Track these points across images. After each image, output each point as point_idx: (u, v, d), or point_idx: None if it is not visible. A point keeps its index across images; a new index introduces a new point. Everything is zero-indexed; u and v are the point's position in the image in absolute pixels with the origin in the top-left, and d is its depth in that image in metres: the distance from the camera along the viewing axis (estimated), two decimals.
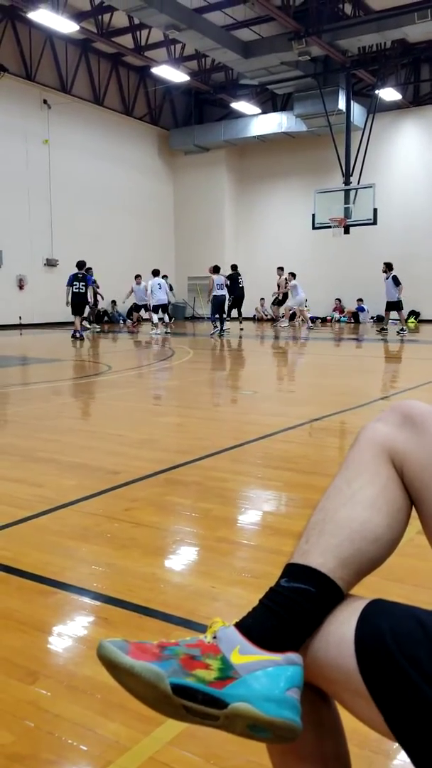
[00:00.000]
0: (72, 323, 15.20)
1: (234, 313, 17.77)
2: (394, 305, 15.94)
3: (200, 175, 25.36)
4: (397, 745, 0.80)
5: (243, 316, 18.25)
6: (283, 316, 19.66)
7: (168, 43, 19.21)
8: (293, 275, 18.78)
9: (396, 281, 15.74)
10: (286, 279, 18.90)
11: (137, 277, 18.96)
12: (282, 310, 19.73)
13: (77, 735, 1.49)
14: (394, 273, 15.81)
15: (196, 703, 0.81)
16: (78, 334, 14.60)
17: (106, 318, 22.33)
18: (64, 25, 15.59)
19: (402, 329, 15.58)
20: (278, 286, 19.51)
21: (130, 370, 9.13)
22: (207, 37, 16.88)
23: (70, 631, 1.95)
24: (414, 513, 0.99)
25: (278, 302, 20.02)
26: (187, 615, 2.01)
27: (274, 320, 19.31)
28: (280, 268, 19.34)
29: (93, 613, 2.07)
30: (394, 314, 16.38)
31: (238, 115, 23.31)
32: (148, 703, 0.84)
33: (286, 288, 18.96)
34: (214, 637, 0.86)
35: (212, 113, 25.16)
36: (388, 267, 15.97)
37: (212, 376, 8.85)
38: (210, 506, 3.09)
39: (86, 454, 4.14)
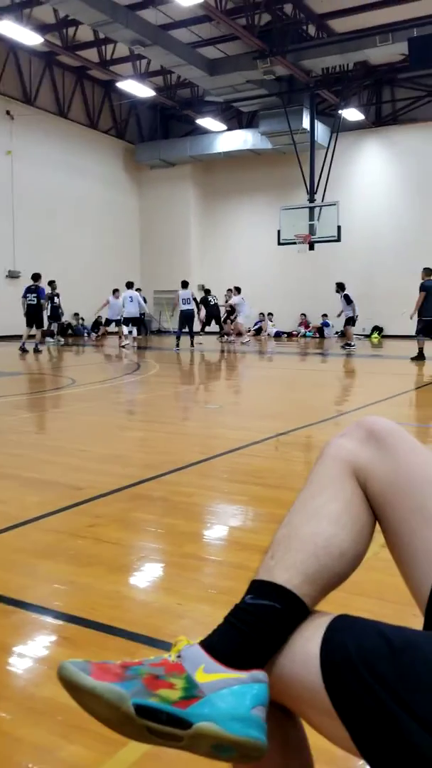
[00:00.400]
0: (24, 336, 15.05)
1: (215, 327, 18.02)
2: (352, 320, 16.33)
3: (166, 190, 25.44)
4: (362, 761, 0.80)
5: (211, 330, 18.34)
6: (240, 333, 19.49)
7: (133, 58, 19.30)
8: (238, 290, 18.87)
9: (347, 300, 16.14)
10: (231, 293, 18.98)
11: (115, 291, 18.81)
12: (236, 326, 19.49)
13: (37, 759, 1.45)
14: (345, 292, 16.20)
15: (159, 724, 0.79)
16: (24, 347, 14.59)
17: (69, 331, 22.17)
18: (28, 37, 15.54)
19: (349, 344, 15.97)
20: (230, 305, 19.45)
21: (95, 384, 9.06)
22: (172, 54, 17.01)
23: (31, 652, 1.91)
24: (378, 528, 1.00)
25: (230, 320, 20.00)
26: (152, 633, 1.98)
27: (223, 335, 19.27)
28: (229, 290, 19.43)
29: (55, 632, 2.03)
30: (354, 329, 16.75)
31: (203, 131, 23.49)
32: (111, 725, 0.82)
33: (225, 304, 18.88)
34: (179, 656, 0.85)
35: (178, 129, 25.30)
36: (340, 287, 16.36)
37: (178, 391, 8.83)
38: (175, 522, 3.07)
39: (49, 469, 4.08)
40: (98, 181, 23.83)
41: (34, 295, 14.59)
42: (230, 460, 4.37)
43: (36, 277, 14.84)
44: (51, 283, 18.18)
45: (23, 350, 14.51)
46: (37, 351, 14.55)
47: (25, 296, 14.66)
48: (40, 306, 14.75)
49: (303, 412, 6.60)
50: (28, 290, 14.66)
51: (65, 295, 18.78)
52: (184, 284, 16.62)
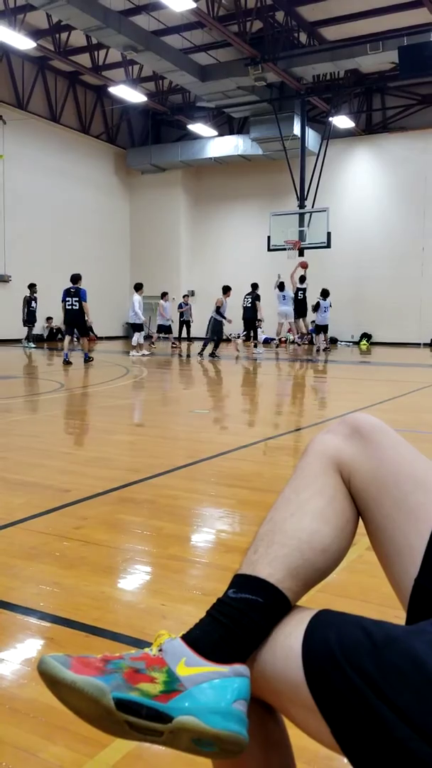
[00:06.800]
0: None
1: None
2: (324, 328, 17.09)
3: (157, 195, 25.46)
4: (344, 759, 0.79)
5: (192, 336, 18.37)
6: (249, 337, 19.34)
7: (126, 64, 19.34)
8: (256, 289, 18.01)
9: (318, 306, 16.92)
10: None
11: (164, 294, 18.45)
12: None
13: (19, 760, 1.43)
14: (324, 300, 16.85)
15: (140, 719, 0.78)
16: (67, 359, 12.99)
17: (59, 336, 22.09)
18: (21, 42, 15.53)
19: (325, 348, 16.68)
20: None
21: (83, 388, 9.04)
22: (164, 59, 17.06)
23: (14, 652, 1.89)
24: (363, 530, 1.00)
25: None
26: (136, 634, 1.97)
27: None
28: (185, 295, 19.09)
29: (39, 633, 2.01)
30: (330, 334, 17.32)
31: (194, 137, 23.55)
32: (90, 720, 0.82)
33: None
34: (160, 650, 0.84)
35: (169, 134, 25.36)
36: (324, 294, 17.08)
37: (166, 395, 8.82)
38: (162, 524, 3.06)
39: (36, 471, 4.07)
40: (89, 185, 23.82)
41: (76, 299, 12.75)
42: (217, 463, 4.36)
43: (75, 278, 12.97)
44: (31, 287, 18.06)
45: (67, 362, 12.55)
46: (88, 360, 12.98)
47: (64, 300, 12.83)
48: (83, 311, 12.87)
49: (291, 417, 6.61)
50: (67, 294, 12.83)
51: (56, 300, 18.68)
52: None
